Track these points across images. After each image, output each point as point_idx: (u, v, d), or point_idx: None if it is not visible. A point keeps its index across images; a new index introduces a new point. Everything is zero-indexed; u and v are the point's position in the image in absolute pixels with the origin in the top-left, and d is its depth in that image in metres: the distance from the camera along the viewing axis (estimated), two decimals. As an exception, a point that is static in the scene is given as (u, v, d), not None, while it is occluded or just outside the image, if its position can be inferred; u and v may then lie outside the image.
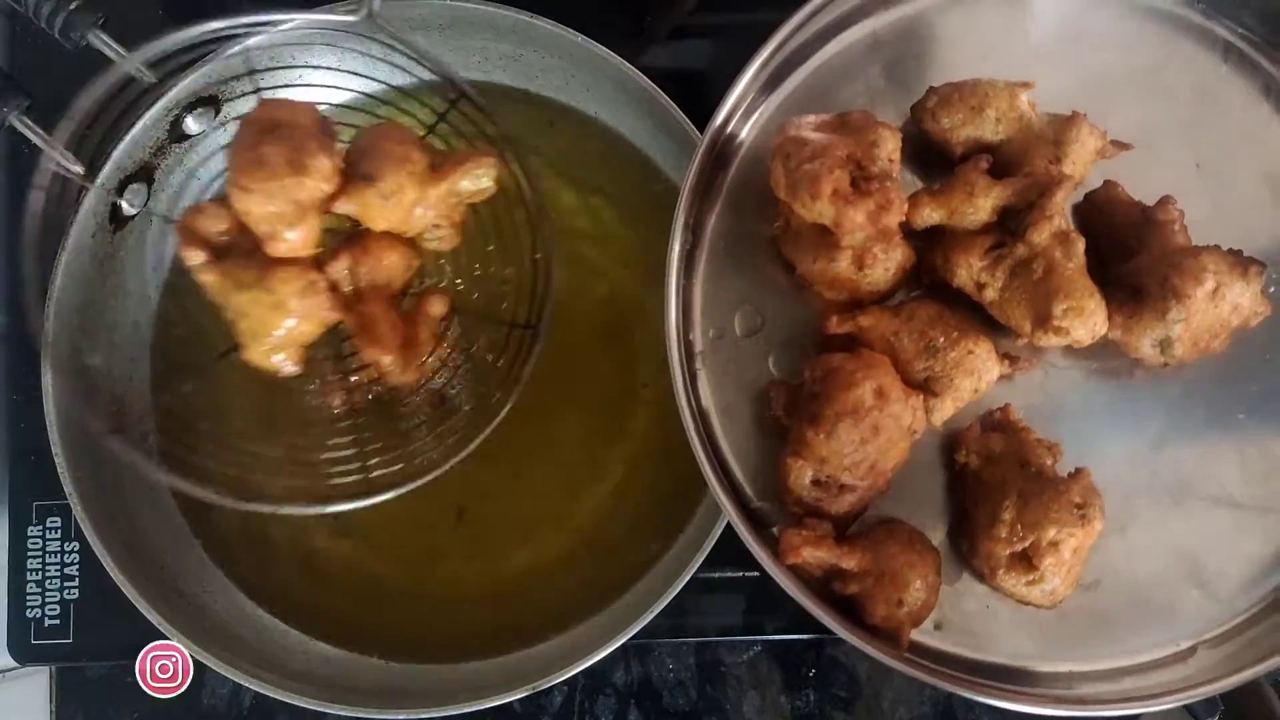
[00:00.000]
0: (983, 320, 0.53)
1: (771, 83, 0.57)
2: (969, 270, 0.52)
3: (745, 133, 0.57)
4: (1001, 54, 0.57)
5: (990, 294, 0.52)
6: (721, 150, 0.57)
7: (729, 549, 0.60)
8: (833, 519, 0.52)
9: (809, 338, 0.55)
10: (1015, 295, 0.51)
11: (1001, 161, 0.54)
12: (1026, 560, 0.50)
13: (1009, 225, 0.52)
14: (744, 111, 0.57)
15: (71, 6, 0.61)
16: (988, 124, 0.54)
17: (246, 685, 0.62)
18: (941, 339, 0.52)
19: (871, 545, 0.51)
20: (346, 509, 0.59)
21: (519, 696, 0.62)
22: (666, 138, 0.69)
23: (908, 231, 0.53)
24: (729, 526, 0.59)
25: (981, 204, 0.52)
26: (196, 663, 0.62)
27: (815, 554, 0.51)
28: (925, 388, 0.52)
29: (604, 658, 0.61)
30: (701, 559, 0.61)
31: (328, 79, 0.71)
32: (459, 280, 0.66)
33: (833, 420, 0.49)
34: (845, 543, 0.52)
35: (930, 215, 0.52)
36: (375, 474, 0.60)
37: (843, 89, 0.57)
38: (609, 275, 0.72)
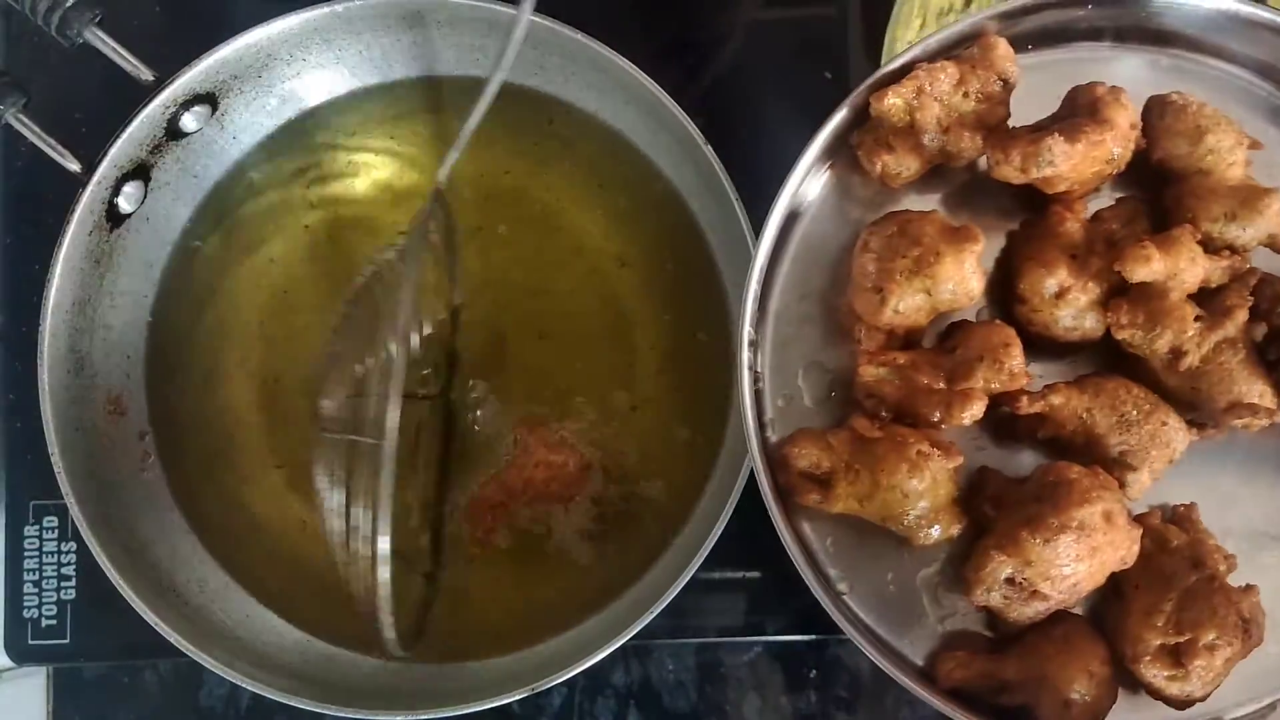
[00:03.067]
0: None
1: (832, 150, 0.57)
2: (1177, 335, 0.50)
3: (809, 198, 0.57)
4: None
5: (1188, 362, 0.51)
6: (787, 219, 0.56)
7: (729, 549, 0.60)
8: (1007, 621, 0.51)
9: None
10: (1215, 372, 0.51)
11: (1168, 181, 0.54)
12: (1175, 656, 0.49)
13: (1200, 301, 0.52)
14: (804, 183, 0.57)
15: (68, 4, 0.61)
16: (1197, 149, 0.53)
17: (244, 686, 0.62)
18: (1135, 412, 0.51)
19: (1025, 652, 0.51)
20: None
21: (518, 697, 0.61)
22: (666, 135, 0.68)
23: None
24: (729, 526, 0.60)
25: (1196, 273, 0.51)
26: (194, 663, 0.62)
27: (969, 674, 0.51)
28: (1121, 462, 0.51)
29: (604, 658, 0.61)
30: (701, 559, 0.61)
31: (324, 75, 0.71)
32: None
33: (1056, 530, 0.47)
34: (999, 654, 0.51)
35: (1156, 270, 0.50)
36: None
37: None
38: (607, 274, 0.72)
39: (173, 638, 0.62)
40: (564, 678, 0.61)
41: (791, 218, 0.57)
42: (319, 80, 0.71)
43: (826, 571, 0.54)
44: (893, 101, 0.53)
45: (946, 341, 0.54)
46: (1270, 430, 0.52)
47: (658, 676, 0.74)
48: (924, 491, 0.51)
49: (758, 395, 0.55)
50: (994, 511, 0.52)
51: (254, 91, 0.69)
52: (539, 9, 0.65)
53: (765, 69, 0.77)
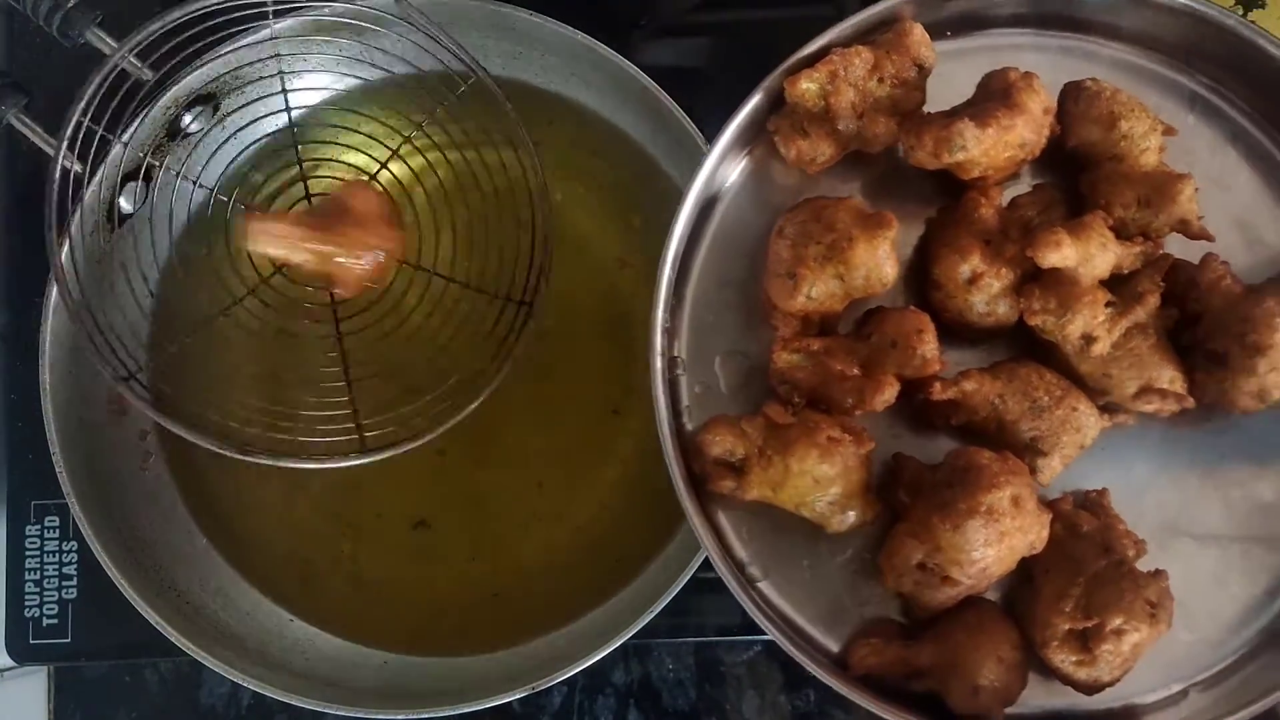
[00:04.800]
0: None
1: (750, 136, 0.57)
2: (1087, 321, 0.51)
3: (727, 183, 0.57)
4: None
5: (1099, 348, 0.51)
6: (705, 205, 0.57)
7: (729, 548, 0.60)
8: (921, 606, 0.51)
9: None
10: (1125, 357, 0.51)
11: (1083, 167, 0.55)
12: (1083, 641, 0.49)
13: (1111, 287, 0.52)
14: (722, 169, 0.57)
15: (69, 4, 0.61)
16: (1110, 135, 0.53)
17: (245, 685, 0.62)
18: (1046, 398, 0.52)
19: (938, 638, 0.51)
20: (332, 467, 0.60)
21: (518, 696, 0.61)
22: (665, 134, 0.69)
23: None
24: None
25: (1107, 259, 0.51)
26: (195, 662, 0.62)
27: (881, 661, 0.51)
28: (1032, 448, 0.52)
29: (603, 658, 0.61)
30: (701, 558, 0.61)
31: (325, 75, 0.71)
32: (456, 256, 0.67)
33: (965, 515, 0.48)
34: (912, 640, 0.51)
35: (1067, 256, 0.50)
36: (368, 434, 0.61)
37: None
38: (606, 271, 0.72)
39: (174, 637, 0.62)
40: (564, 677, 0.61)
41: (710, 203, 0.57)
42: (320, 80, 0.71)
43: (739, 558, 0.54)
44: (806, 86, 0.53)
45: (863, 328, 0.54)
46: (1183, 417, 0.53)
47: (657, 675, 0.74)
48: (835, 477, 0.51)
49: (675, 382, 0.56)
50: (909, 498, 0.52)
51: (255, 91, 0.69)
52: (538, 7, 0.65)
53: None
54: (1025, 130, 0.51)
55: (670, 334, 0.56)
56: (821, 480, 0.50)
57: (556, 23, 0.65)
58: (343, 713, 0.63)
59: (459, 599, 0.70)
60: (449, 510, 0.72)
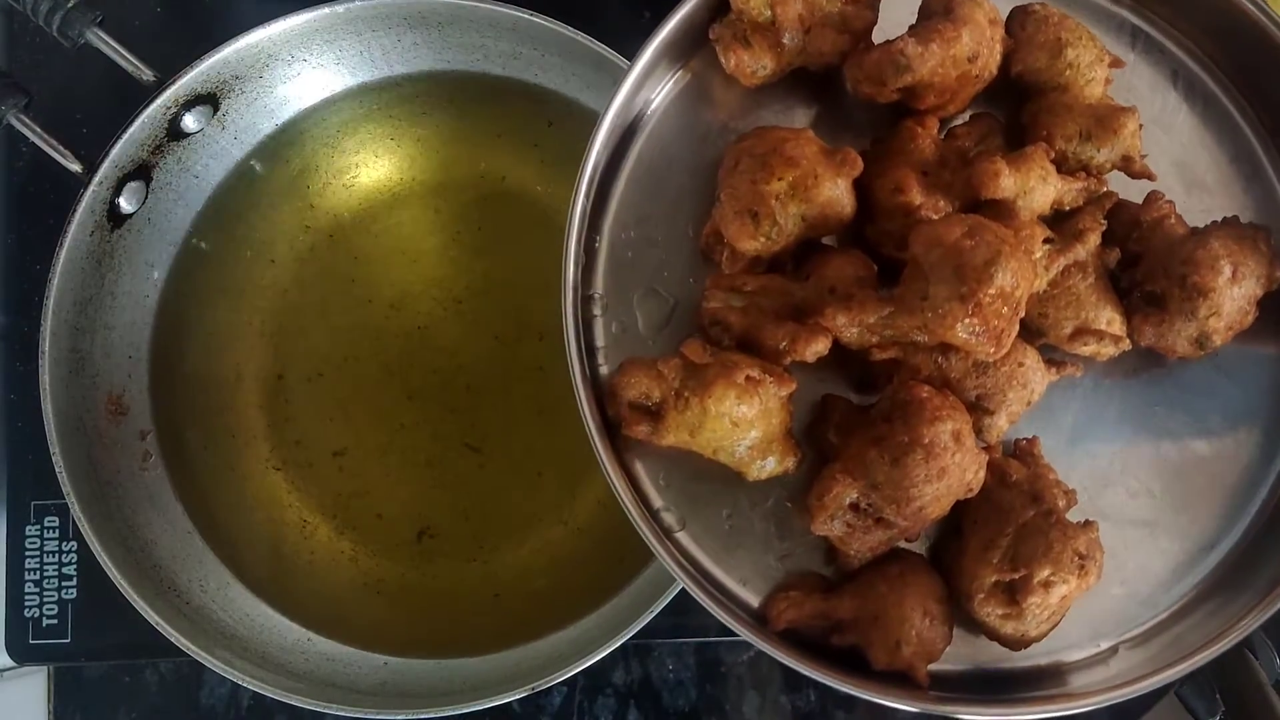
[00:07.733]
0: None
1: (683, 54, 0.54)
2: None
3: (651, 108, 0.54)
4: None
5: (1037, 284, 0.49)
6: (626, 131, 0.54)
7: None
8: (846, 556, 0.49)
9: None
10: (1063, 296, 0.49)
11: (1027, 96, 0.53)
12: (1010, 594, 0.47)
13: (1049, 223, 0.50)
14: (648, 87, 0.54)
15: (69, 5, 0.61)
16: (1056, 63, 0.51)
17: (245, 685, 0.62)
18: None
19: (860, 590, 0.49)
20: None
21: (518, 696, 0.61)
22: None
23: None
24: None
25: (1047, 193, 0.49)
26: (194, 663, 0.62)
27: (801, 614, 0.49)
28: (978, 406, 0.49)
29: (604, 657, 0.61)
30: (701, 558, 0.61)
31: (325, 75, 0.71)
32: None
33: (905, 448, 0.45)
34: (834, 593, 0.49)
35: (1006, 187, 0.48)
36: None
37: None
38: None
39: (173, 637, 0.62)
40: (564, 677, 0.61)
41: (632, 129, 0.54)
42: (320, 80, 0.71)
43: (655, 506, 0.51)
44: None
45: (801, 266, 0.51)
46: (1115, 366, 0.51)
47: (658, 675, 0.74)
48: (754, 419, 0.47)
49: (590, 322, 0.52)
50: (839, 438, 0.49)
51: (255, 91, 0.69)
52: (538, 8, 0.65)
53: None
54: (971, 41, 0.48)
55: (587, 270, 0.52)
56: (740, 423, 0.47)
57: (556, 22, 0.65)
58: (343, 713, 0.63)
59: (459, 599, 0.70)
60: (449, 511, 0.71)
